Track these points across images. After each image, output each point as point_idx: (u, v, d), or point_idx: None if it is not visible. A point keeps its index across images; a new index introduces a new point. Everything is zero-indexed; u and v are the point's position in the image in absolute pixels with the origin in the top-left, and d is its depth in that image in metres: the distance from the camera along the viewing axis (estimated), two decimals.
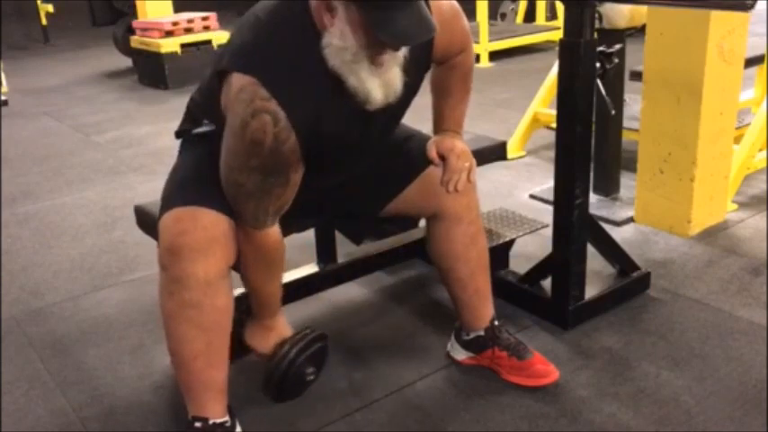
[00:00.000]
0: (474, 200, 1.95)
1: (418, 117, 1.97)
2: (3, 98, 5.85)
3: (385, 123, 1.77)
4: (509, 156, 3.58)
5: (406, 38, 1.45)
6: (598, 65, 2.20)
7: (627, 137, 3.22)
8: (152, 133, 4.80)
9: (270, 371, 1.85)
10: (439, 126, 1.95)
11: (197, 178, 1.70)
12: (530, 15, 7.93)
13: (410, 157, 1.92)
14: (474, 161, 1.89)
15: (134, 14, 6.74)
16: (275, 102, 1.47)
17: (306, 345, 1.87)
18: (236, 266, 1.76)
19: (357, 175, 1.89)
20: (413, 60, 1.60)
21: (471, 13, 7.05)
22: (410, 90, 1.72)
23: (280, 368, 1.84)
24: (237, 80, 1.50)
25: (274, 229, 1.67)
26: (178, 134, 1.89)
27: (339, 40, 1.47)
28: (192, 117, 1.86)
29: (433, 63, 1.85)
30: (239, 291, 2.17)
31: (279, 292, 1.84)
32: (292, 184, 1.60)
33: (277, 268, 1.78)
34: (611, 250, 2.44)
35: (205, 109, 1.77)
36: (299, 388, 1.92)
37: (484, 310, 2.03)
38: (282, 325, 1.90)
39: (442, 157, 1.86)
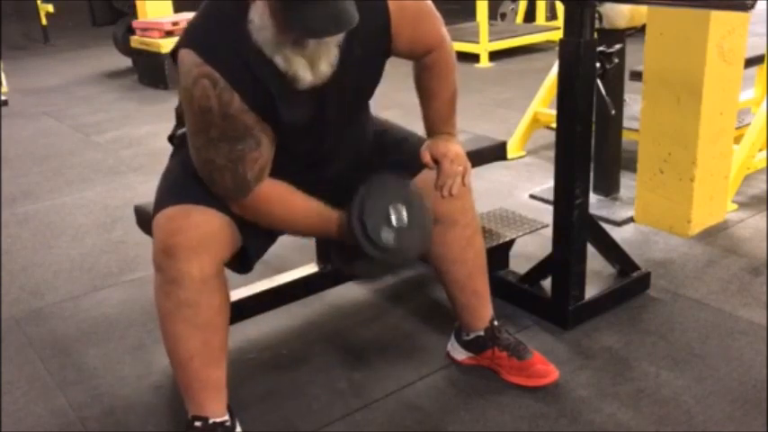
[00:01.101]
0: (469, 202, 1.94)
1: (417, 117, 1.96)
2: (3, 98, 5.85)
3: (339, 104, 1.72)
4: (509, 156, 3.57)
5: (315, 32, 1.45)
6: (598, 65, 2.20)
7: (627, 137, 3.22)
8: (152, 133, 4.79)
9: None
10: (430, 129, 1.93)
11: (187, 178, 1.70)
12: (530, 15, 7.92)
13: (404, 161, 1.91)
14: (469, 164, 1.88)
15: (134, 14, 6.73)
16: (209, 66, 1.51)
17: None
18: (230, 264, 1.76)
19: (349, 177, 1.87)
20: (364, 46, 1.61)
21: (471, 13, 7.06)
22: (364, 78, 1.72)
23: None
24: (180, 56, 1.56)
25: (261, 187, 1.65)
26: (170, 138, 1.90)
27: (259, 20, 1.49)
28: (181, 121, 1.86)
29: (412, 61, 1.86)
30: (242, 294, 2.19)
31: (316, 208, 1.74)
32: (265, 144, 1.61)
33: (289, 210, 1.71)
34: (611, 250, 2.45)
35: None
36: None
37: (483, 310, 2.03)
38: None
39: (436, 162, 1.86)
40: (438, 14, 1.82)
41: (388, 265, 1.72)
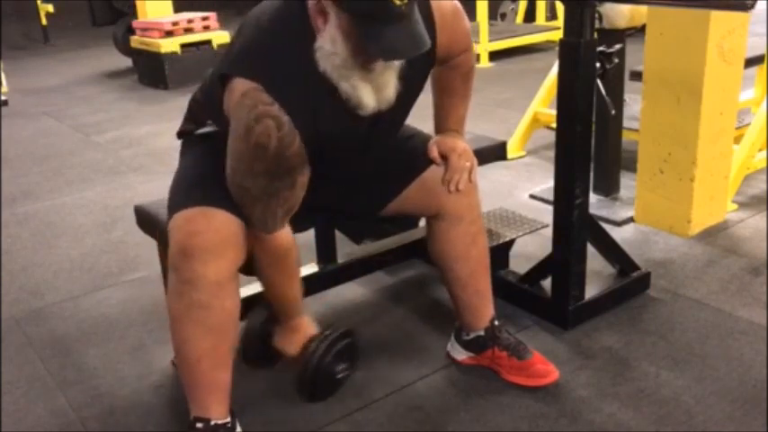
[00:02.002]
0: (475, 200, 1.95)
1: (419, 117, 1.97)
2: (3, 98, 5.85)
3: (387, 125, 1.77)
4: (509, 156, 3.57)
5: (395, 53, 1.46)
6: (598, 65, 2.20)
7: (627, 137, 3.22)
8: (152, 133, 4.80)
9: (300, 371, 1.84)
10: (440, 126, 1.95)
11: (205, 178, 1.69)
12: (530, 15, 7.92)
13: (411, 157, 1.92)
14: (475, 161, 1.89)
15: (134, 14, 6.74)
16: (278, 106, 1.48)
17: (333, 341, 1.85)
18: (243, 269, 1.76)
19: (358, 175, 1.89)
20: (413, 62, 1.60)
21: (471, 13, 7.04)
22: (411, 92, 1.73)
23: (309, 366, 1.82)
24: (239, 85, 1.51)
25: (285, 232, 1.67)
26: (180, 134, 1.89)
27: (329, 46, 1.47)
28: (193, 117, 1.86)
29: (436, 63, 1.85)
30: (246, 292, 2.19)
31: (299, 292, 1.84)
32: (299, 186, 1.60)
33: (292, 270, 1.77)
34: (611, 250, 2.44)
35: (207, 109, 1.77)
36: (331, 385, 1.91)
37: (484, 309, 2.03)
38: (307, 324, 1.89)
39: (444, 157, 1.87)
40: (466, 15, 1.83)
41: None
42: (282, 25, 1.54)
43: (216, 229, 1.60)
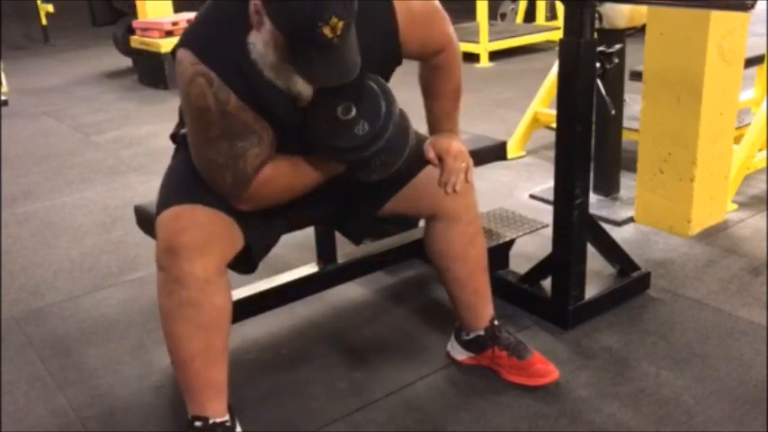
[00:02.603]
0: (472, 200, 1.95)
1: (417, 117, 1.96)
2: (3, 98, 5.85)
3: None
4: (509, 156, 3.57)
5: (320, 80, 1.51)
6: (598, 65, 2.20)
7: (627, 137, 3.22)
8: (152, 133, 4.80)
9: None
10: (433, 127, 1.95)
11: (192, 177, 1.70)
12: (530, 15, 7.92)
13: (408, 158, 1.91)
14: (471, 161, 1.89)
15: (134, 14, 6.73)
16: (203, 64, 1.53)
17: None
18: (233, 265, 1.76)
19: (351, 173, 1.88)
20: (374, 48, 1.62)
21: (471, 13, 7.06)
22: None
23: None
24: (178, 56, 1.58)
25: (261, 174, 1.65)
26: (172, 137, 1.90)
27: (261, 47, 1.51)
28: (183, 119, 1.86)
29: (419, 62, 1.87)
30: (241, 294, 2.19)
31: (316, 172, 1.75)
32: (266, 142, 1.62)
33: (289, 180, 1.72)
34: (611, 250, 2.44)
35: None
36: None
37: (483, 309, 2.03)
38: None
39: (440, 158, 1.87)
40: (445, 13, 1.82)
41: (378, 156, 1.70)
42: (222, 9, 1.59)
43: (201, 226, 1.61)
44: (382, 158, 1.71)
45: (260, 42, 1.51)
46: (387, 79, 1.78)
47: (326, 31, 1.39)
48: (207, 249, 1.61)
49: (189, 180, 1.71)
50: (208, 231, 1.62)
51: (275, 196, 1.72)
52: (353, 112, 1.62)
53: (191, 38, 1.59)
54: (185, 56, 1.56)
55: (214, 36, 1.57)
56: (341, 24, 1.40)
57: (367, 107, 1.64)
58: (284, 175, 1.70)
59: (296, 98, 1.59)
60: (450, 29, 1.85)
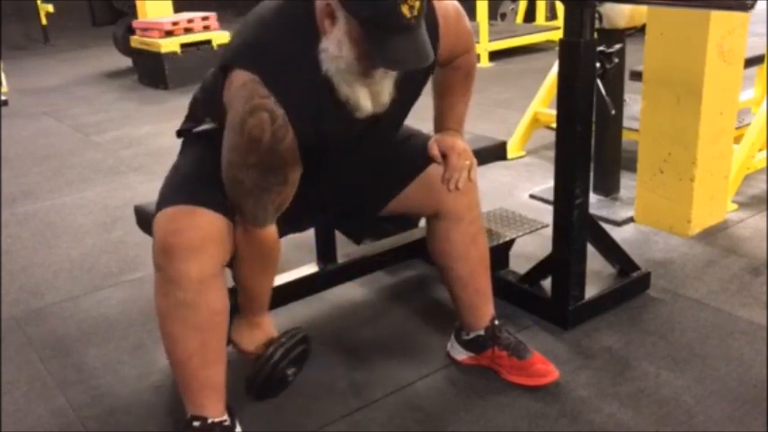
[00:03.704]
0: (475, 199, 1.95)
1: (419, 117, 1.97)
2: (3, 98, 5.85)
3: (385, 128, 1.78)
4: (509, 156, 3.58)
5: (401, 64, 1.47)
6: (598, 65, 2.20)
7: (627, 137, 3.22)
8: (152, 133, 4.80)
9: (256, 371, 1.82)
10: (440, 125, 1.95)
11: (195, 177, 1.70)
12: (530, 15, 7.92)
13: (410, 156, 1.92)
14: (475, 160, 1.89)
15: (134, 14, 6.74)
16: (273, 99, 1.48)
17: (291, 347, 1.84)
18: (231, 265, 1.76)
19: (357, 175, 1.89)
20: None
21: (471, 13, 7.05)
22: (411, 96, 1.74)
23: (266, 369, 1.81)
24: (239, 76, 1.52)
25: (272, 229, 1.67)
26: (179, 133, 1.89)
27: (335, 49, 1.47)
28: (194, 116, 1.86)
29: (438, 65, 1.86)
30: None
31: (269, 290, 1.84)
32: (291, 182, 1.60)
33: (271, 267, 1.78)
34: (611, 250, 2.44)
35: (207, 107, 1.78)
36: (280, 388, 1.90)
37: (484, 309, 2.03)
38: (268, 324, 1.88)
39: (443, 156, 1.87)
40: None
41: None
42: (287, 22, 1.55)
43: (197, 227, 1.61)
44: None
45: (332, 44, 1.47)
46: (424, 85, 1.79)
47: (405, 10, 1.38)
48: (202, 250, 1.60)
49: (192, 180, 1.70)
50: (204, 232, 1.61)
51: (259, 259, 1.72)
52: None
53: (252, 55, 1.52)
54: (251, 82, 1.49)
55: (281, 53, 1.52)
56: (418, 4, 1.40)
57: None
58: (275, 258, 1.73)
59: (353, 109, 1.56)
60: (471, 28, 1.87)
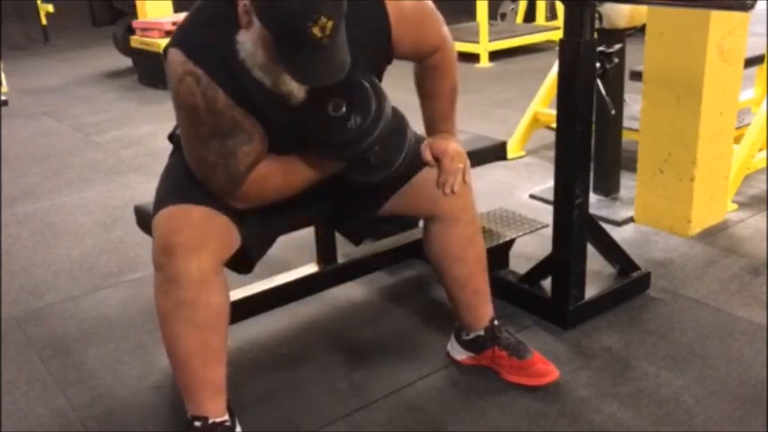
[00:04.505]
0: (470, 201, 1.94)
1: (414, 118, 1.96)
2: (3, 98, 5.85)
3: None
4: (509, 156, 3.57)
5: (310, 79, 1.50)
6: (598, 65, 2.20)
7: (627, 137, 3.22)
8: (152, 133, 4.80)
9: None
10: (430, 128, 1.95)
11: (188, 177, 1.71)
12: (530, 15, 7.92)
13: (406, 158, 1.91)
14: (468, 162, 1.89)
15: (134, 14, 6.74)
16: (192, 63, 1.53)
17: None
18: (231, 265, 1.76)
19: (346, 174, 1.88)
20: (366, 48, 1.62)
21: (471, 13, 7.07)
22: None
23: None
24: (168, 56, 1.58)
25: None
26: (170, 137, 1.91)
27: (251, 47, 1.51)
28: None
29: (414, 63, 1.87)
30: (240, 294, 2.19)
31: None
32: (257, 139, 1.62)
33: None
34: (611, 250, 2.44)
35: None
36: None
37: (483, 309, 2.03)
38: None
39: (437, 160, 1.86)
40: (438, 14, 1.82)
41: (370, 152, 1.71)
42: (212, 9, 1.59)
43: (196, 225, 1.62)
44: (380, 155, 1.71)
45: (249, 41, 1.51)
46: (379, 78, 1.78)
47: (316, 30, 1.38)
48: (202, 249, 1.61)
49: (185, 180, 1.71)
50: (203, 231, 1.62)
51: (270, 194, 1.72)
52: (344, 108, 1.63)
53: (180, 37, 1.60)
54: (175, 55, 1.56)
55: (203, 35, 1.58)
56: (330, 24, 1.39)
57: (357, 102, 1.64)
58: (278, 173, 1.70)
59: (286, 98, 1.59)
60: (444, 29, 1.85)
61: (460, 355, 2.09)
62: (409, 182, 1.91)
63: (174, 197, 1.68)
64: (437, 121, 1.93)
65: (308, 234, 2.24)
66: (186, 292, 1.60)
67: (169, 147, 1.94)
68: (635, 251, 2.62)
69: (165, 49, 1.61)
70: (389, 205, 1.95)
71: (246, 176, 1.65)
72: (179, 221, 1.62)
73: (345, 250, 2.38)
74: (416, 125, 1.99)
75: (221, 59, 1.54)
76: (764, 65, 3.71)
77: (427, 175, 1.89)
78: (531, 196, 3.35)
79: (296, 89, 1.58)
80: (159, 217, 1.66)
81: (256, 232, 1.79)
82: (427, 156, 1.87)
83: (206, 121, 1.56)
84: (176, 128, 1.89)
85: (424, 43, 1.82)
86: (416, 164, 1.88)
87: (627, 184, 3.19)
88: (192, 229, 1.61)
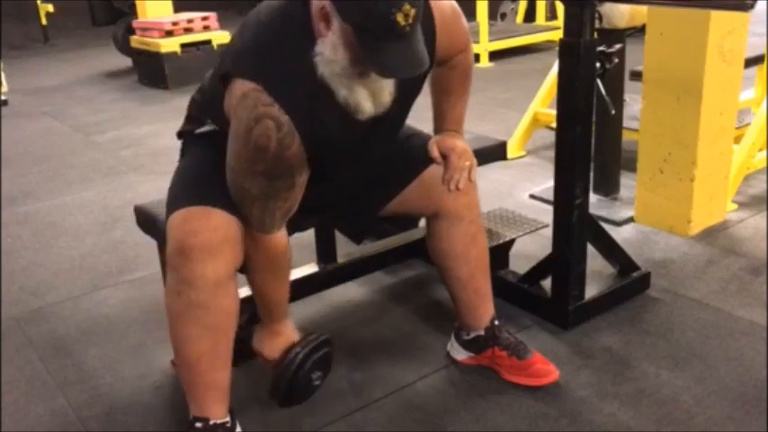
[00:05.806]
0: (474, 199, 1.96)
1: (419, 117, 1.97)
2: (3, 98, 5.85)
3: (386, 128, 1.77)
4: (509, 156, 3.58)
5: (394, 71, 1.47)
6: (598, 65, 2.20)
7: (627, 137, 3.22)
8: (152, 133, 4.80)
9: (278, 376, 1.83)
10: (440, 126, 1.95)
11: (204, 178, 1.69)
12: (530, 15, 7.93)
13: (411, 156, 1.92)
14: (475, 160, 1.89)
15: (134, 14, 6.74)
16: (278, 107, 1.48)
17: (313, 350, 1.85)
18: (242, 268, 1.76)
19: (358, 176, 1.89)
20: None
21: (471, 13, 7.05)
22: (410, 95, 1.73)
23: (288, 374, 1.82)
24: (240, 86, 1.51)
25: (281, 234, 1.67)
26: (180, 134, 1.89)
27: (330, 52, 1.47)
28: (193, 117, 1.86)
29: (435, 64, 1.85)
30: (244, 293, 2.19)
31: (286, 296, 1.83)
32: (298, 187, 1.60)
33: (284, 273, 1.78)
34: (611, 250, 2.45)
35: (207, 109, 1.77)
36: (306, 393, 1.91)
37: (484, 309, 2.03)
38: (290, 330, 1.88)
39: (444, 156, 1.87)
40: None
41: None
42: (283, 26, 1.54)
43: (214, 229, 1.60)
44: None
45: (328, 48, 1.47)
46: (422, 84, 1.78)
47: (400, 17, 1.37)
48: (218, 252, 1.60)
49: (200, 181, 1.70)
50: (220, 234, 1.60)
51: (268, 264, 1.73)
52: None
53: (252, 64, 1.52)
54: (253, 91, 1.48)
55: (279, 62, 1.51)
56: (413, 12, 1.39)
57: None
58: (285, 264, 1.74)
59: (353, 111, 1.55)
60: (467, 28, 1.86)
61: (460, 355, 2.09)
62: (415, 179, 1.91)
63: (189, 198, 1.66)
64: (448, 119, 1.94)
65: (308, 234, 2.24)
66: (200, 295, 1.60)
67: (170, 147, 1.93)
68: (635, 251, 2.62)
69: (226, 75, 1.55)
70: (394, 203, 1.96)
71: (279, 226, 1.63)
72: (195, 224, 1.60)
73: (345, 250, 2.38)
74: (424, 124, 1.99)
75: (302, 90, 1.50)
76: (764, 65, 3.71)
77: (433, 172, 1.89)
78: (531, 196, 3.35)
79: (365, 103, 1.54)
80: (174, 218, 1.64)
81: None
82: (435, 152, 1.87)
83: (268, 162, 1.51)
84: (186, 124, 1.87)
85: (456, 44, 1.82)
86: (422, 161, 1.89)
87: (627, 184, 3.19)
88: (208, 232, 1.59)
